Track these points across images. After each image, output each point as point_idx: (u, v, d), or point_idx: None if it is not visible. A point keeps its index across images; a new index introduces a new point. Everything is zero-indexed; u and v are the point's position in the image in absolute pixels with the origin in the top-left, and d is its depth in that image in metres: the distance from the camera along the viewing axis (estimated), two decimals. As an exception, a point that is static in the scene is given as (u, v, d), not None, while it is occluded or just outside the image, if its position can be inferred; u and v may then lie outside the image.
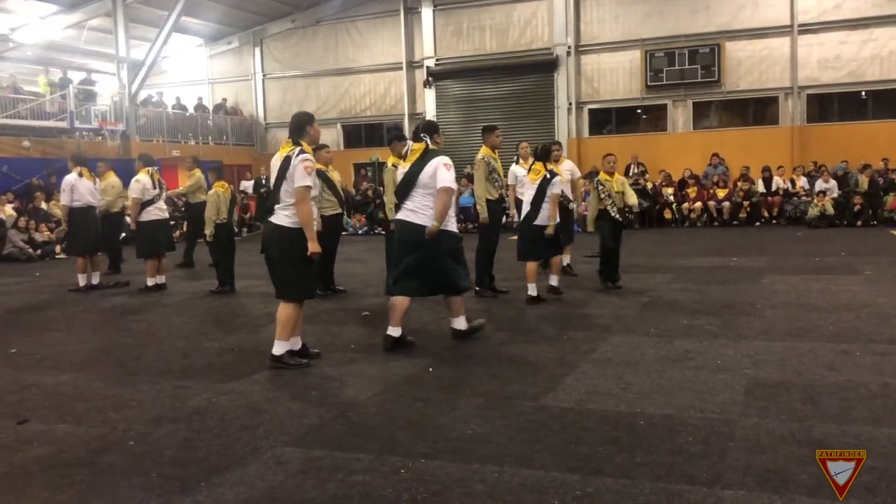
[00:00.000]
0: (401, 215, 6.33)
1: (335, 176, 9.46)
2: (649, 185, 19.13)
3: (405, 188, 6.25)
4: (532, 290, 8.28)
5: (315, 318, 7.97)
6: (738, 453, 3.80)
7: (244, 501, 3.48)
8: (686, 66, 20.82)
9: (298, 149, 5.64)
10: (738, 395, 4.75)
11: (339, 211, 9.40)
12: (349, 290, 9.61)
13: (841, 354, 5.65)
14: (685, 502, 3.29)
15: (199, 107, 25.13)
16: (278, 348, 5.83)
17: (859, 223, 16.67)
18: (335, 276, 9.69)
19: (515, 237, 8.76)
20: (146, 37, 22.54)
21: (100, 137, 21.22)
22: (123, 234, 17.04)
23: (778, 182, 18.73)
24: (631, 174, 19.13)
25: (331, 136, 24.23)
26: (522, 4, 22.62)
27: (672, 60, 20.97)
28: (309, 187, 5.56)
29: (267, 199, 5.77)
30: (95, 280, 10.83)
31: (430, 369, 5.67)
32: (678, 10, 20.97)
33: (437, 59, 23.56)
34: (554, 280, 8.59)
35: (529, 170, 8.48)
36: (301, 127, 5.76)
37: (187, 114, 24.53)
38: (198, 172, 13.19)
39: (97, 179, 11.41)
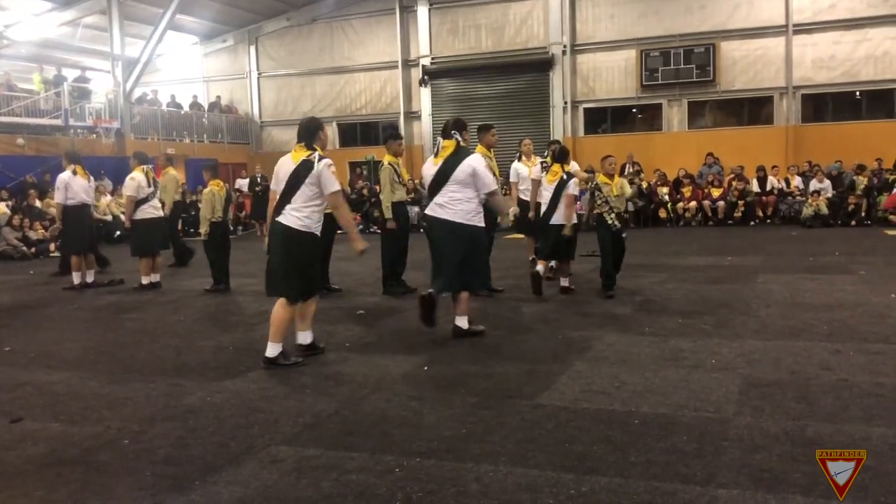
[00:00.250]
0: (429, 210, 6.56)
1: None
2: (644, 185, 19.16)
3: (437, 183, 6.44)
4: (539, 268, 8.57)
5: (310, 317, 7.96)
6: (732, 452, 3.81)
7: (239, 500, 3.48)
8: (681, 65, 20.86)
9: (317, 154, 5.73)
10: (733, 394, 4.76)
11: (335, 209, 9.36)
12: (344, 289, 9.60)
13: (835, 354, 5.67)
14: (679, 501, 3.29)
15: (195, 105, 25.08)
16: (271, 350, 5.82)
17: (853, 223, 16.72)
18: (330, 274, 9.68)
19: (517, 235, 8.83)
20: (141, 34, 22.47)
21: (94, 135, 21.17)
22: (118, 233, 17.09)
23: (772, 182, 18.78)
24: (626, 173, 19.15)
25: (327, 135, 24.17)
26: (518, 3, 22.63)
27: (667, 60, 21.01)
28: (340, 191, 5.80)
29: (277, 199, 5.82)
30: (90, 278, 10.80)
31: (425, 368, 5.67)
32: (673, 9, 21.00)
33: (432, 58, 23.56)
34: (565, 281, 8.73)
35: (547, 170, 8.71)
36: (312, 132, 5.86)
37: (182, 112, 24.47)
38: (171, 171, 13.01)
39: (91, 178, 11.37)
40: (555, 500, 3.35)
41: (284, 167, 5.82)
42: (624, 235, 8.43)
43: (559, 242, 8.54)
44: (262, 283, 10.56)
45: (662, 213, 19.04)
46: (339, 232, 10.01)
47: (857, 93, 20.12)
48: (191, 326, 7.79)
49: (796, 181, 18.71)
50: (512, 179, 9.64)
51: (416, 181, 18.91)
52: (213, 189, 9.88)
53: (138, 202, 10.25)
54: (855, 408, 4.43)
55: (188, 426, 4.51)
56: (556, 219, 8.46)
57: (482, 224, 6.57)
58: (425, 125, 23.82)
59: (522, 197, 10.28)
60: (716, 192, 18.78)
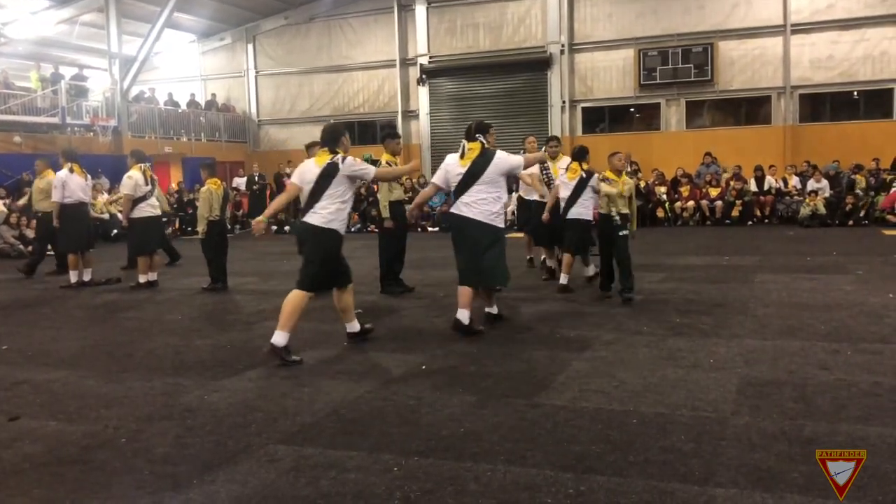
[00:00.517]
0: (455, 209, 6.80)
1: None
2: (642, 184, 19.15)
3: (465, 183, 6.68)
4: (564, 279, 8.86)
5: (308, 316, 7.93)
6: (729, 452, 3.81)
7: (236, 499, 3.47)
8: (679, 65, 20.87)
9: (340, 156, 6.07)
10: (730, 393, 4.77)
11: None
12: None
13: (832, 353, 5.67)
14: (677, 501, 3.30)
15: (192, 103, 25.05)
16: (279, 338, 5.91)
17: (851, 222, 16.74)
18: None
19: (517, 235, 8.88)
20: (138, 32, 22.44)
21: (91, 133, 21.15)
22: (115, 231, 17.06)
23: (770, 181, 18.79)
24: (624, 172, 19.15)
25: (324, 134, 24.16)
26: (516, 2, 22.63)
27: (665, 59, 21.02)
28: (374, 170, 6.37)
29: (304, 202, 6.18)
30: (87, 277, 10.79)
31: (423, 367, 5.68)
32: (671, 9, 21.02)
33: (430, 57, 23.55)
34: (564, 279, 8.82)
35: (567, 168, 8.88)
36: (336, 137, 6.20)
37: (180, 110, 24.45)
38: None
39: (88, 176, 11.36)
40: (553, 500, 3.35)
41: (309, 171, 6.14)
42: (622, 234, 8.11)
43: (585, 239, 8.81)
44: (259, 282, 10.61)
45: (660, 213, 19.05)
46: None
47: (855, 93, 20.14)
48: (188, 325, 7.78)
49: (794, 181, 18.73)
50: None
51: (414, 180, 18.97)
52: (211, 188, 9.87)
53: (136, 201, 10.24)
54: (853, 407, 4.43)
55: (186, 425, 4.51)
56: (574, 214, 8.62)
57: (503, 224, 6.83)
58: (423, 124, 23.82)
59: (525, 196, 10.28)
60: (713, 192, 18.79)
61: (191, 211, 19.25)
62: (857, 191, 17.68)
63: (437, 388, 5.09)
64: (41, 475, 3.83)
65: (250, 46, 25.99)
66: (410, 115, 24.15)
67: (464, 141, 6.87)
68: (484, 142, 6.74)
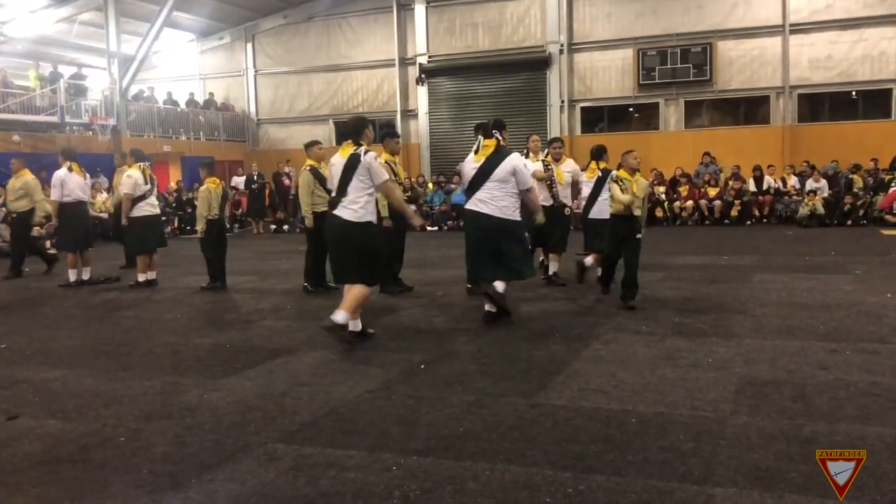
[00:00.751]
0: (470, 205, 6.97)
1: (327, 173, 9.43)
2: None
3: (478, 180, 6.84)
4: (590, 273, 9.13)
5: (307, 315, 7.97)
6: (728, 451, 3.82)
7: (235, 498, 3.47)
8: (678, 64, 20.87)
9: (363, 148, 6.20)
10: (729, 393, 4.77)
11: (332, 207, 9.37)
12: (340, 288, 9.57)
13: (831, 353, 5.68)
14: (676, 500, 3.30)
15: (191, 102, 25.03)
16: (340, 317, 6.13)
17: (849, 222, 16.75)
18: (327, 272, 9.66)
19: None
20: (137, 31, 22.43)
21: (90, 132, 21.12)
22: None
23: (769, 181, 18.81)
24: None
25: (323, 133, 24.20)
26: (515, 2, 22.63)
27: (664, 59, 21.01)
28: (388, 179, 6.36)
29: (333, 195, 6.36)
30: (86, 276, 10.78)
31: (422, 366, 5.68)
32: (670, 8, 21.02)
33: (429, 56, 23.54)
34: (554, 266, 8.92)
35: (586, 168, 9.09)
36: (359, 130, 6.34)
37: (178, 109, 24.43)
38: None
39: (87, 175, 11.35)
40: (552, 499, 3.35)
41: (336, 165, 6.31)
42: (638, 236, 7.80)
43: (602, 233, 8.74)
44: (258, 281, 10.61)
45: (659, 213, 19.05)
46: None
47: (854, 93, 20.15)
48: (187, 324, 7.78)
49: (793, 181, 18.75)
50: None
51: (413, 180, 18.95)
52: (210, 187, 9.87)
53: (135, 200, 10.23)
54: (851, 407, 4.44)
55: (185, 424, 4.51)
56: (595, 213, 8.76)
57: (519, 217, 6.98)
58: (422, 123, 23.82)
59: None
60: (712, 192, 18.81)
61: (189, 210, 19.25)
62: (856, 190, 17.69)
63: (436, 388, 5.09)
64: (40, 474, 3.82)
65: (249, 46, 25.97)
66: (409, 114, 24.15)
67: (479, 137, 7.04)
68: (500, 139, 6.93)
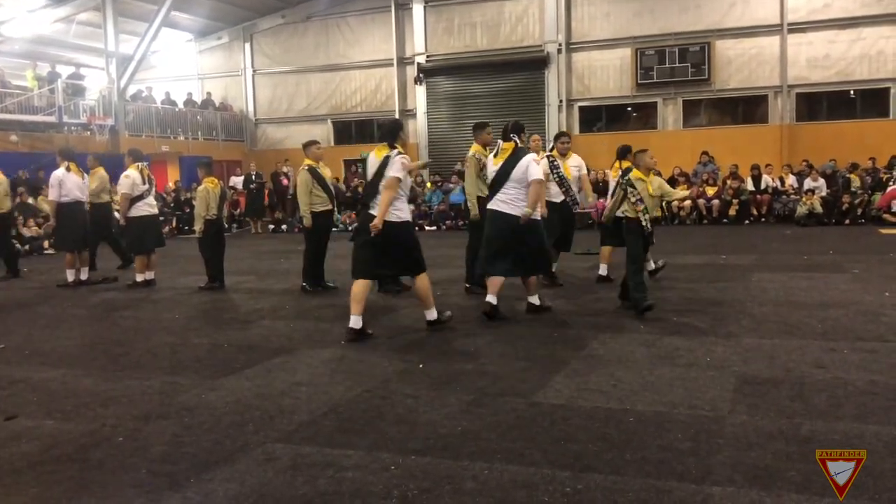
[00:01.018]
0: (492, 205, 7.21)
1: (326, 172, 9.45)
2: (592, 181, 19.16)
3: (499, 181, 7.11)
4: (602, 271, 9.27)
5: (305, 315, 7.97)
6: (727, 450, 3.82)
7: (234, 498, 3.47)
8: (676, 64, 20.88)
9: (397, 150, 6.52)
10: (727, 392, 4.77)
11: (330, 207, 9.38)
12: (339, 287, 9.59)
13: (829, 352, 5.68)
14: (674, 499, 3.30)
15: (189, 102, 25.02)
16: (431, 315, 6.75)
17: (847, 221, 16.77)
18: (325, 272, 9.67)
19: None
20: (135, 31, 22.42)
21: (88, 132, 21.11)
22: (112, 230, 17.02)
23: (767, 180, 18.82)
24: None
25: (321, 133, 24.21)
26: (513, 1, 22.63)
27: (662, 58, 21.02)
28: (399, 179, 6.44)
29: (363, 195, 6.72)
30: (84, 276, 10.77)
31: (421, 366, 5.68)
32: (668, 8, 21.03)
33: (427, 56, 23.54)
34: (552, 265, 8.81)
35: (613, 167, 9.22)
36: (394, 132, 6.70)
37: (177, 109, 24.42)
38: (101, 171, 12.06)
39: (85, 175, 11.34)
40: (550, 498, 3.35)
41: (371, 165, 6.61)
42: (653, 242, 7.55)
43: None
44: (256, 281, 10.60)
45: (657, 212, 19.02)
46: (333, 230, 10.04)
47: (852, 92, 20.17)
48: (186, 324, 7.77)
49: (791, 180, 18.76)
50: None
51: (411, 179, 18.94)
52: (208, 186, 9.87)
53: (133, 199, 10.22)
54: (849, 406, 4.44)
55: (183, 424, 4.51)
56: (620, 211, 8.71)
57: (539, 217, 7.26)
58: (420, 123, 23.81)
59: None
60: (710, 191, 18.81)
61: (188, 210, 19.23)
62: (854, 189, 17.70)
63: (435, 387, 5.09)
64: (38, 474, 3.82)
65: (247, 45, 25.95)
66: (408, 114, 24.12)
67: (499, 140, 7.30)
68: (518, 141, 7.17)
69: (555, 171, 9.20)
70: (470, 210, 8.72)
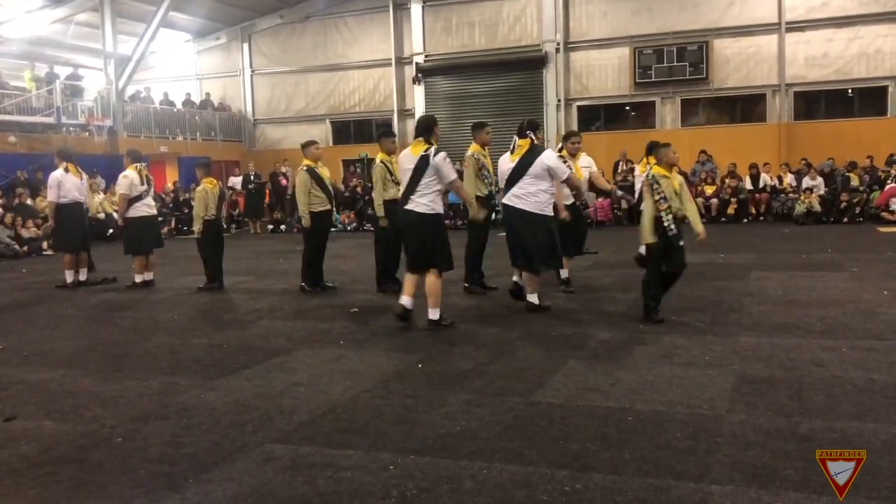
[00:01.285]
0: (507, 200, 7.44)
1: (324, 172, 9.44)
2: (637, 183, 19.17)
3: (515, 177, 7.33)
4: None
5: (304, 315, 7.97)
6: (725, 449, 3.82)
7: (233, 498, 3.47)
8: (674, 63, 20.90)
9: (433, 148, 6.74)
10: (726, 390, 4.78)
11: (329, 207, 9.38)
12: (338, 287, 9.60)
13: (827, 350, 5.69)
14: (673, 498, 3.30)
15: (188, 102, 25.01)
16: (434, 314, 6.86)
17: (846, 220, 16.78)
18: (324, 272, 9.68)
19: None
20: (134, 32, 22.41)
21: (87, 133, 21.10)
22: (111, 231, 17.05)
23: (765, 179, 18.83)
24: (619, 171, 19.17)
25: (320, 132, 24.20)
26: (512, 1, 22.64)
27: (660, 58, 21.05)
28: (457, 178, 6.99)
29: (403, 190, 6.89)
30: (83, 276, 10.76)
31: (419, 365, 5.68)
32: (666, 7, 21.04)
33: (426, 56, 23.54)
34: (564, 272, 8.75)
35: (640, 163, 9.42)
36: (429, 128, 6.89)
37: (175, 110, 24.41)
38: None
39: (84, 176, 11.32)
40: (549, 497, 3.35)
41: (406, 160, 6.83)
42: (681, 244, 6.87)
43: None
44: (255, 281, 10.60)
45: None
46: (332, 230, 10.04)
47: (850, 90, 20.20)
48: (184, 324, 7.77)
49: (789, 178, 18.77)
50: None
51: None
52: (207, 187, 9.87)
53: (131, 200, 10.21)
54: (847, 404, 4.45)
55: (182, 424, 4.51)
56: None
57: (552, 213, 7.43)
58: (419, 123, 23.77)
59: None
60: (709, 190, 18.82)
61: (186, 210, 19.23)
62: (853, 186, 17.69)
63: (434, 387, 5.10)
64: (37, 475, 3.82)
65: (246, 45, 25.95)
66: (406, 113, 24.13)
67: (515, 137, 7.53)
68: (533, 138, 7.41)
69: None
70: (469, 210, 8.70)
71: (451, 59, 23.32)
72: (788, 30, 20.10)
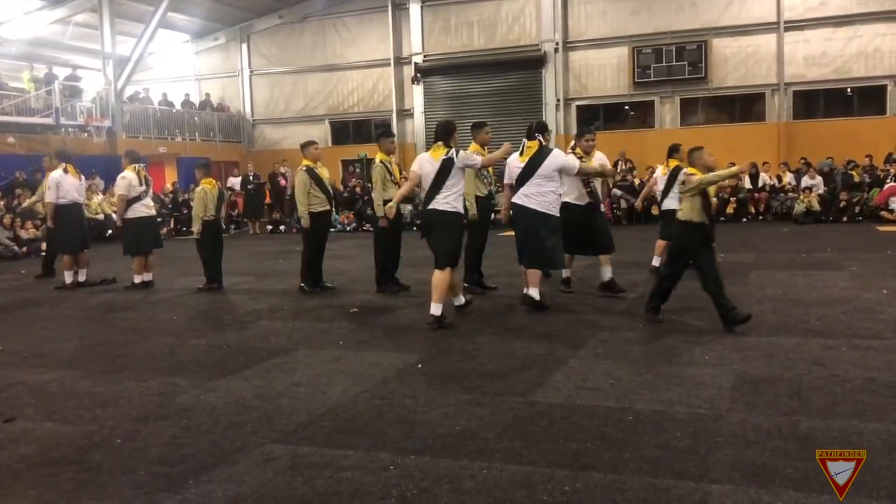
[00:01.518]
0: (516, 199, 7.62)
1: (324, 173, 9.44)
2: (637, 182, 19.19)
3: (524, 177, 7.50)
4: (655, 262, 9.77)
5: (303, 315, 7.97)
6: (725, 448, 3.82)
7: (233, 499, 3.47)
8: (673, 62, 20.92)
9: (454, 150, 7.08)
10: (726, 390, 4.78)
11: (328, 207, 9.38)
12: (337, 287, 9.59)
13: (827, 349, 5.69)
14: (673, 497, 3.30)
15: (186, 103, 25.00)
16: (436, 310, 6.92)
17: (845, 219, 16.78)
18: (323, 272, 9.67)
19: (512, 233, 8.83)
20: (132, 32, 22.40)
21: (86, 134, 21.09)
22: (110, 231, 17.04)
23: (764, 178, 18.84)
24: (619, 170, 19.18)
25: (319, 133, 24.19)
26: (510, 1, 22.65)
27: (659, 57, 21.06)
28: (480, 161, 7.47)
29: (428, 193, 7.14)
30: (82, 277, 10.76)
31: (419, 366, 5.68)
32: (665, 6, 21.05)
33: (425, 56, 23.54)
34: (608, 272, 8.42)
35: (663, 165, 9.72)
36: (449, 132, 7.21)
37: (174, 110, 24.40)
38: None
39: (83, 177, 11.32)
40: (549, 497, 3.35)
41: (427, 164, 7.12)
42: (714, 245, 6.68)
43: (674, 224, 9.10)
44: (255, 282, 10.60)
45: (655, 210, 19.03)
46: (331, 230, 10.04)
47: (849, 89, 20.21)
48: (184, 325, 7.77)
49: (788, 177, 18.78)
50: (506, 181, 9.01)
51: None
52: (206, 187, 9.86)
53: (130, 201, 10.21)
54: (847, 403, 4.45)
55: (182, 425, 4.51)
56: (666, 205, 9.42)
57: (558, 213, 7.55)
58: (418, 123, 23.81)
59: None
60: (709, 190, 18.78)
61: (186, 211, 19.22)
62: (858, 180, 17.67)
63: (433, 387, 5.10)
64: (36, 476, 3.82)
65: (244, 46, 25.95)
66: (405, 113, 24.14)
67: (524, 139, 7.66)
68: (542, 140, 7.55)
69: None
70: (468, 209, 8.69)
71: (450, 58, 23.32)
72: (787, 29, 20.11)
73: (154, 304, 9.11)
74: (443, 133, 7.21)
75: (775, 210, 18.39)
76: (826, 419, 4.19)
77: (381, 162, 8.95)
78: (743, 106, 21.28)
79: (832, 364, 5.29)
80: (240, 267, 12.09)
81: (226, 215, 17.96)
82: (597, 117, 22.49)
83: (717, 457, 3.71)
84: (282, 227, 20.92)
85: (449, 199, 7.05)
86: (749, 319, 6.36)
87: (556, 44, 22.03)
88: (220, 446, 4.12)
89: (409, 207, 16.35)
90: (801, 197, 17.48)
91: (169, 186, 22.09)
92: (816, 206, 17.15)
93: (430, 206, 7.10)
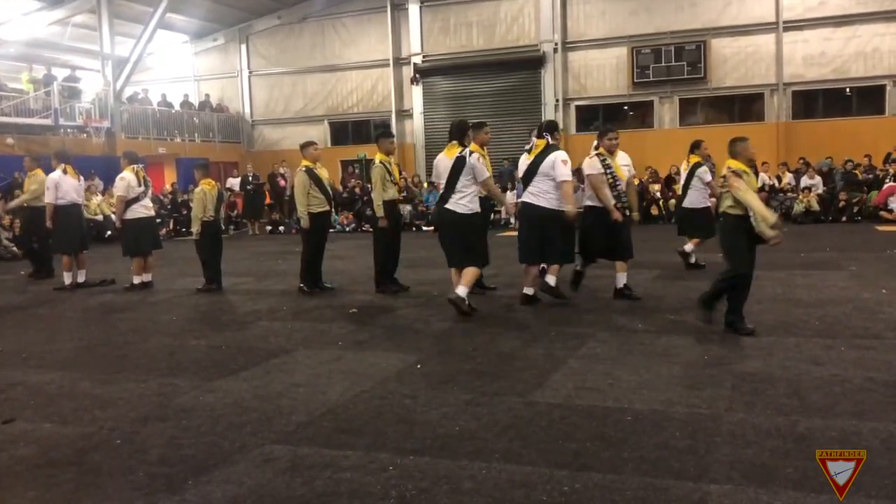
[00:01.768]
0: (524, 197, 7.75)
1: (323, 173, 9.44)
2: (636, 182, 19.17)
3: (528, 175, 7.61)
4: (692, 259, 10.13)
5: (303, 316, 7.97)
6: (724, 448, 3.82)
7: (232, 499, 3.47)
8: (672, 62, 20.93)
9: (467, 150, 7.30)
10: (725, 389, 4.78)
11: (327, 208, 9.38)
12: (337, 287, 9.59)
13: (826, 349, 5.69)
14: (672, 497, 3.30)
15: (185, 104, 25.00)
16: (462, 292, 7.19)
17: (844, 219, 16.79)
18: (323, 273, 9.67)
19: (512, 233, 8.89)
20: (131, 33, 22.40)
21: (84, 135, 21.09)
22: (109, 232, 17.02)
23: (763, 178, 18.82)
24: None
25: (318, 133, 24.19)
26: (509, 1, 22.66)
27: (658, 57, 21.07)
28: (490, 177, 7.55)
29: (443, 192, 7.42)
30: (81, 278, 10.76)
31: (419, 366, 5.68)
32: (664, 6, 21.06)
33: (424, 56, 23.55)
34: (623, 278, 8.15)
35: (685, 161, 10.40)
36: (463, 131, 7.54)
37: (173, 111, 24.40)
38: (40, 174, 11.43)
39: (81, 178, 11.31)
40: (548, 497, 3.35)
41: (442, 163, 7.46)
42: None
43: (697, 221, 9.76)
44: (254, 283, 10.60)
45: (654, 210, 19.07)
46: (331, 230, 10.03)
47: (848, 89, 20.23)
48: (183, 326, 7.76)
49: (787, 177, 18.78)
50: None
51: (409, 179, 18.97)
52: (205, 188, 9.86)
53: (129, 202, 10.20)
54: (846, 403, 4.45)
55: (181, 426, 4.50)
56: (688, 201, 9.91)
57: (562, 209, 7.54)
58: (417, 123, 23.81)
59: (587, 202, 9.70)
60: (708, 189, 18.80)
61: (185, 212, 19.22)
62: (861, 178, 17.66)
63: (432, 387, 5.09)
64: (35, 477, 3.82)
65: (243, 47, 25.95)
66: (404, 114, 24.15)
67: (533, 138, 7.78)
68: (549, 139, 7.61)
69: (608, 171, 7.92)
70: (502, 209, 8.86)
71: (449, 59, 23.33)
72: (786, 29, 20.13)
73: (153, 305, 9.11)
74: (457, 132, 7.41)
75: (774, 210, 18.37)
76: (825, 419, 4.19)
77: (380, 162, 8.95)
78: (742, 106, 21.30)
79: (831, 363, 5.29)
80: (239, 267, 12.09)
81: (225, 216, 17.98)
82: (596, 117, 22.53)
83: (715, 456, 3.72)
84: (281, 228, 20.91)
85: (464, 201, 7.22)
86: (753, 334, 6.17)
87: (556, 44, 22.05)
88: (220, 447, 4.12)
89: (408, 208, 16.34)
90: (801, 197, 17.49)
91: (168, 187, 22.09)
92: (816, 206, 17.16)
93: (447, 206, 7.31)
